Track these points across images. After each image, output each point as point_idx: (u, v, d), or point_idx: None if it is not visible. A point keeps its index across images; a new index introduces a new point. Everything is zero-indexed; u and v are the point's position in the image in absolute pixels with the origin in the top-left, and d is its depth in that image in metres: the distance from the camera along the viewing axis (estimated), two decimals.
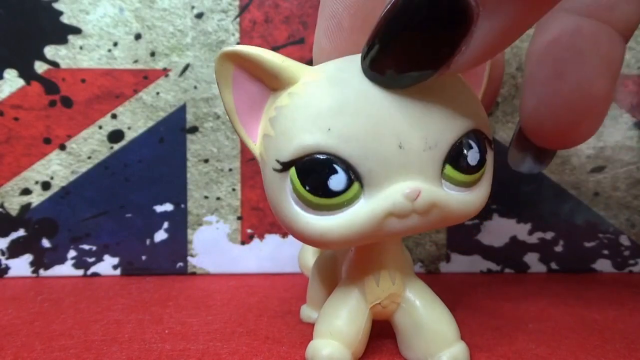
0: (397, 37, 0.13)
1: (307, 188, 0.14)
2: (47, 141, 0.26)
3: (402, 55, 0.13)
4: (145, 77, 0.27)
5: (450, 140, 0.14)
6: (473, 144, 0.14)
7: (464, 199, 0.15)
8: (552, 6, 0.12)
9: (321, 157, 0.14)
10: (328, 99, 0.14)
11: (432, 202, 0.14)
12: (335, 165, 0.14)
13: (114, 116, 0.27)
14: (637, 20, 0.17)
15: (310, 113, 0.14)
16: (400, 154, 0.14)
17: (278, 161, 0.14)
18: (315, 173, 0.14)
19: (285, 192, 0.14)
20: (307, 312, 0.20)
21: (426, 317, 0.16)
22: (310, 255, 0.24)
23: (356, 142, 0.13)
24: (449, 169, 0.14)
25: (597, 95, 0.17)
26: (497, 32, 0.12)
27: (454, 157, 0.14)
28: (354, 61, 0.14)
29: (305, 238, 0.15)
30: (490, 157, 0.15)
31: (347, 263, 0.17)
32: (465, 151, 0.14)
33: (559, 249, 0.28)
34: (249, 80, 0.15)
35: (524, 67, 0.18)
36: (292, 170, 0.14)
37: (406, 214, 0.14)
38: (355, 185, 0.14)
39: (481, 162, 0.15)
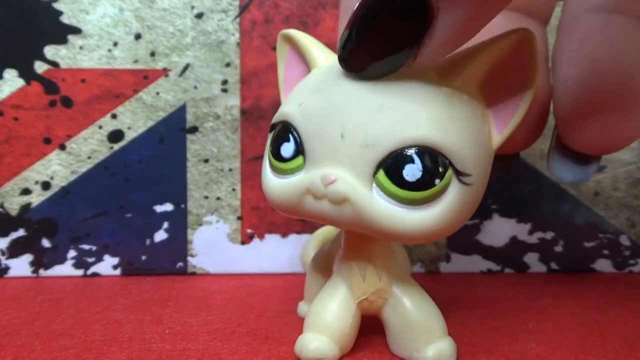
0: (366, 30, 0.13)
1: (270, 149, 0.16)
2: (47, 141, 0.26)
3: (371, 47, 0.14)
4: (145, 77, 0.27)
5: (390, 145, 0.14)
6: (416, 159, 0.14)
7: (397, 214, 0.14)
8: (508, 1, 0.13)
9: (284, 124, 0.15)
10: (313, 80, 0.16)
11: (343, 194, 0.14)
12: (289, 134, 0.15)
13: (114, 116, 0.27)
14: None
15: (299, 89, 0.16)
16: (340, 142, 0.14)
17: (271, 124, 0.16)
18: (277, 137, 0.16)
19: (266, 151, 0.16)
20: (303, 308, 0.21)
21: (413, 312, 0.16)
22: (311, 251, 0.24)
23: (310, 119, 0.15)
24: (381, 175, 0.14)
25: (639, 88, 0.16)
26: (457, 24, 0.13)
27: (389, 165, 0.14)
28: None
29: (265, 195, 0.16)
30: (457, 188, 0.14)
31: (337, 259, 0.18)
32: (403, 163, 0.14)
33: (559, 249, 0.28)
34: (298, 60, 0.18)
35: (552, 73, 0.17)
36: (272, 132, 0.16)
37: (319, 196, 0.14)
38: (300, 158, 0.15)
39: (424, 183, 0.14)
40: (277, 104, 0.27)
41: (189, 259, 0.27)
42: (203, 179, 0.27)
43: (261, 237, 0.28)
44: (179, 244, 0.27)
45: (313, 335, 0.16)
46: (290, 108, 0.15)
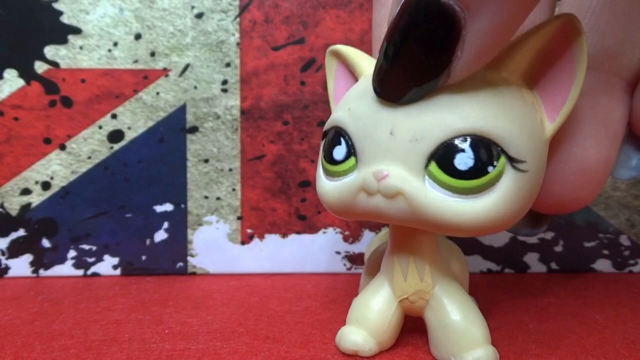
0: (396, 57, 0.13)
1: (323, 154, 0.16)
2: (47, 141, 0.26)
3: (404, 72, 0.14)
4: (145, 77, 0.27)
5: (439, 137, 0.14)
6: (467, 148, 0.14)
7: (452, 204, 0.14)
8: (537, 1, 0.13)
9: (336, 129, 0.16)
10: (359, 86, 0.16)
11: (397, 187, 0.14)
12: (341, 138, 0.16)
13: (114, 116, 0.27)
14: None
15: (347, 96, 0.16)
16: (390, 140, 0.14)
17: (323, 131, 0.17)
18: (329, 141, 0.16)
19: (320, 157, 0.17)
20: None
21: (453, 316, 0.16)
22: (372, 250, 0.24)
23: (360, 122, 0.15)
24: (433, 167, 0.14)
25: (592, 167, 0.16)
26: (486, 32, 0.12)
27: (440, 156, 0.14)
28: None
29: (320, 199, 0.17)
30: (511, 175, 0.14)
31: (384, 256, 0.18)
32: (453, 153, 0.14)
33: (559, 249, 0.28)
34: (346, 74, 0.19)
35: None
36: (324, 139, 0.17)
37: (372, 192, 0.15)
38: (352, 159, 0.15)
39: (477, 171, 0.14)
40: (277, 104, 0.27)
41: (189, 259, 0.27)
42: (203, 179, 0.27)
43: (261, 237, 0.28)
44: (179, 244, 0.27)
45: (352, 328, 0.17)
46: (339, 114, 0.16)
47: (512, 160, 0.14)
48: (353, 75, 0.18)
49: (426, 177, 0.14)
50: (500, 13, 0.12)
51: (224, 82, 0.27)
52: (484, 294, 0.24)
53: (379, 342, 0.17)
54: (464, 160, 0.14)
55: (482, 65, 0.14)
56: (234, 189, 0.27)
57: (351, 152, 0.15)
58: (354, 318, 0.17)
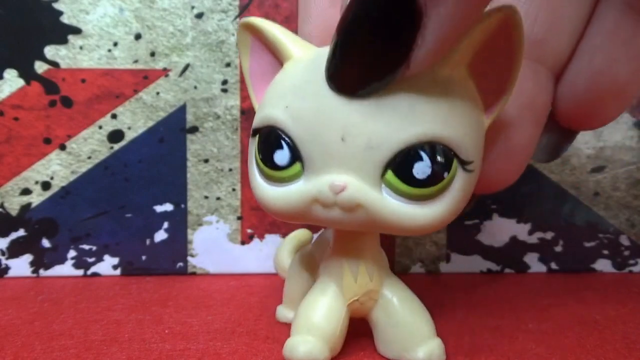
0: (352, 45, 0.13)
1: (261, 156, 0.15)
2: (47, 141, 0.26)
3: (360, 63, 0.13)
4: (145, 77, 0.27)
5: (396, 145, 0.13)
6: (425, 156, 0.13)
7: (409, 211, 0.14)
8: None
9: (273, 130, 0.14)
10: (295, 78, 0.15)
11: (356, 200, 0.14)
12: (282, 141, 0.14)
13: (114, 116, 0.27)
14: (567, 57, 0.17)
15: (281, 88, 0.15)
16: (341, 146, 0.13)
17: (252, 128, 0.15)
18: (267, 144, 0.15)
19: (252, 158, 0.16)
20: (283, 312, 0.20)
21: (402, 313, 0.16)
22: (286, 255, 0.24)
23: (304, 124, 0.14)
24: (390, 175, 0.14)
25: (515, 149, 0.17)
26: (447, 19, 0.12)
27: (397, 165, 0.14)
28: None
29: (259, 202, 0.16)
30: (461, 177, 0.14)
31: (325, 259, 0.17)
32: (412, 161, 0.13)
33: (559, 249, 0.28)
34: (264, 51, 0.17)
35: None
36: (257, 137, 0.15)
37: (329, 204, 0.14)
38: (297, 165, 0.14)
39: (433, 178, 0.14)
40: None
41: (189, 259, 0.27)
42: (203, 179, 0.27)
43: (261, 237, 0.28)
44: (179, 244, 0.27)
45: (302, 338, 0.16)
46: (275, 112, 0.14)
47: (462, 163, 0.14)
48: (273, 54, 0.17)
49: (383, 185, 0.14)
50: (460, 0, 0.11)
51: (224, 82, 0.27)
52: (484, 293, 0.24)
53: (331, 349, 0.16)
54: (422, 169, 0.14)
55: (443, 55, 0.13)
56: (234, 189, 0.27)
57: (295, 157, 0.14)
58: (302, 327, 0.16)
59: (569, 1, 0.16)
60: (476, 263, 0.28)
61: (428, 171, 0.14)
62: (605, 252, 0.28)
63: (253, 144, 0.15)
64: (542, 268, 0.28)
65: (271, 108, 0.15)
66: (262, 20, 0.16)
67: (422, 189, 0.14)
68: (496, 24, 0.14)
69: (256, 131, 0.15)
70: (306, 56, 0.15)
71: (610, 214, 0.28)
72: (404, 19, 0.12)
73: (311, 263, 0.19)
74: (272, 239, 0.28)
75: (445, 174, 0.14)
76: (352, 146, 0.13)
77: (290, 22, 0.27)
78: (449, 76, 0.14)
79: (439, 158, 0.14)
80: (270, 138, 0.15)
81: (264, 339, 0.19)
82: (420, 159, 0.13)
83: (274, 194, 0.15)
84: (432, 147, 0.14)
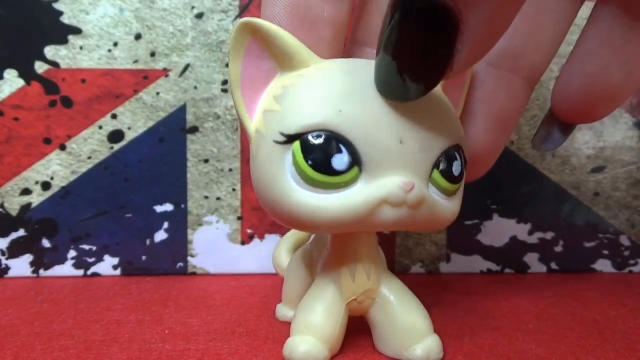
0: (398, 55, 0.13)
1: (310, 163, 0.14)
2: (47, 141, 0.26)
3: (407, 71, 0.14)
4: (145, 77, 0.27)
5: (441, 148, 0.15)
6: (457, 156, 0.16)
7: (445, 205, 0.16)
8: None
9: (329, 134, 0.14)
10: (341, 84, 0.15)
11: (422, 197, 0.15)
12: (341, 145, 0.14)
13: (114, 116, 0.27)
14: (545, 66, 0.18)
15: (324, 94, 0.15)
16: (400, 149, 0.14)
17: (282, 133, 0.14)
18: (321, 149, 0.14)
19: (282, 166, 0.14)
20: (282, 310, 0.21)
21: (400, 311, 0.17)
22: (284, 254, 0.24)
23: (363, 127, 0.14)
24: (436, 174, 0.15)
25: (480, 153, 0.18)
26: (484, 23, 0.12)
27: (442, 164, 0.15)
28: (362, 60, 0.16)
29: (294, 214, 0.15)
30: (464, 172, 0.16)
31: (323, 259, 0.18)
32: (452, 161, 0.15)
33: (559, 249, 0.28)
34: (260, 56, 0.16)
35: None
36: (297, 143, 0.14)
37: (399, 203, 0.14)
38: (355, 169, 0.14)
39: (461, 175, 0.16)
40: None
41: (189, 259, 0.27)
42: (203, 179, 0.27)
43: (261, 237, 0.28)
44: (179, 244, 0.27)
45: (302, 338, 0.16)
46: (328, 116, 0.14)
47: (465, 161, 0.16)
48: (273, 59, 0.16)
49: (430, 184, 0.15)
50: (494, 4, 0.12)
51: (224, 82, 0.27)
52: (484, 294, 0.24)
53: (330, 349, 0.16)
54: (457, 166, 0.16)
55: (484, 56, 0.14)
56: (234, 189, 0.27)
57: (353, 161, 0.14)
58: (301, 327, 0.16)
59: (546, 13, 0.17)
60: (476, 263, 0.28)
61: (459, 169, 0.16)
62: (605, 252, 0.28)
63: (284, 153, 0.14)
64: (542, 268, 0.28)
65: (317, 112, 0.14)
66: (269, 23, 0.15)
67: (455, 185, 0.16)
68: None
69: (294, 137, 0.14)
70: (335, 66, 0.15)
71: (610, 214, 0.28)
72: (443, 27, 0.12)
73: (310, 261, 0.20)
74: (272, 239, 0.28)
75: (464, 170, 0.16)
76: (409, 148, 0.14)
77: None
78: (438, 90, 0.16)
79: (463, 157, 0.16)
80: (325, 142, 0.14)
81: (264, 339, 0.19)
82: (456, 158, 0.16)
83: (323, 202, 0.14)
84: (459, 148, 0.16)
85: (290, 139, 0.14)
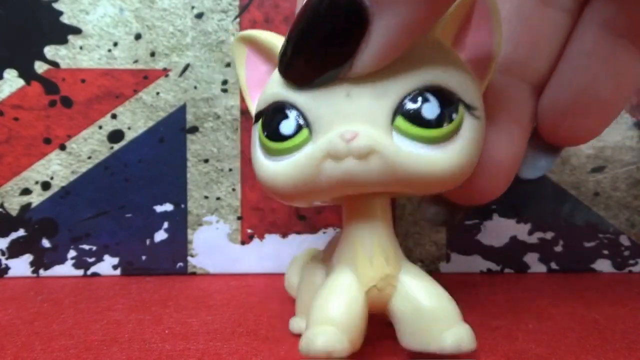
0: (303, 42, 0.14)
1: (265, 133, 0.15)
2: (47, 141, 0.26)
3: (307, 60, 0.14)
4: (145, 77, 0.27)
5: (402, 91, 0.14)
6: (431, 98, 0.14)
7: (425, 154, 0.14)
8: (448, 6, 0.13)
9: (278, 104, 0.15)
10: None
11: (369, 146, 0.14)
12: (286, 111, 0.15)
13: (114, 116, 0.27)
14: (548, 72, 0.18)
15: (278, 77, 0.15)
16: (347, 101, 0.14)
17: (255, 114, 0.16)
18: (271, 118, 0.15)
19: (255, 142, 0.16)
20: (297, 322, 0.19)
21: (424, 297, 0.15)
22: (295, 275, 0.23)
23: (307, 92, 0.14)
24: (400, 121, 0.14)
25: (504, 160, 0.17)
26: (393, 29, 0.13)
27: (406, 109, 0.14)
28: None
29: (263, 184, 0.16)
30: (470, 122, 0.15)
31: (337, 249, 0.17)
32: (419, 104, 0.14)
33: (559, 249, 0.28)
34: (260, 61, 0.18)
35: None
36: (260, 120, 0.15)
37: (341, 155, 0.14)
38: (305, 131, 0.14)
39: (442, 119, 0.14)
40: None
41: (189, 259, 0.27)
42: (203, 179, 0.27)
43: (261, 237, 0.28)
44: (179, 244, 0.27)
45: (319, 328, 0.15)
46: (277, 88, 0.15)
47: (468, 107, 0.15)
48: (269, 62, 0.18)
49: (394, 132, 0.14)
50: (409, 14, 0.12)
51: (224, 82, 0.27)
52: (484, 294, 0.24)
53: (351, 340, 0.15)
54: (431, 109, 0.14)
55: (388, 62, 0.14)
56: (234, 189, 0.27)
57: (301, 124, 0.14)
58: (318, 319, 0.15)
59: (547, 23, 0.17)
60: (476, 263, 0.28)
61: (437, 111, 0.14)
62: (605, 252, 0.28)
63: (256, 129, 0.16)
64: (542, 268, 0.28)
65: (272, 88, 0.15)
66: (259, 32, 0.17)
67: (434, 130, 0.14)
68: (472, 3, 0.15)
69: (259, 115, 0.16)
70: None
71: (610, 214, 0.28)
72: (350, 24, 0.13)
73: (321, 268, 0.18)
74: (272, 239, 0.28)
75: (454, 115, 0.14)
76: (358, 99, 0.14)
77: (290, 21, 0.27)
78: (440, 42, 0.15)
79: (444, 99, 0.14)
80: (275, 111, 0.15)
81: (264, 339, 0.19)
82: (427, 100, 0.14)
83: (280, 167, 0.15)
84: (437, 90, 0.14)
85: (256, 117, 0.16)
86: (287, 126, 0.15)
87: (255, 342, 0.18)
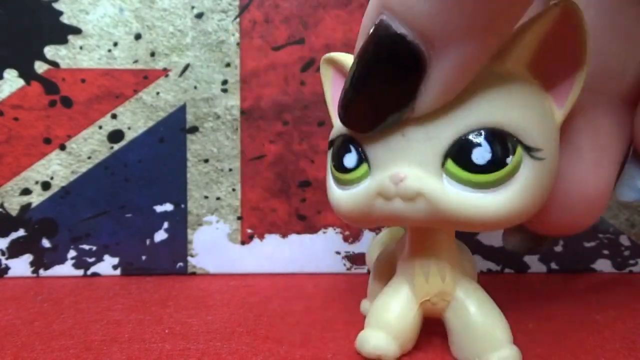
0: (363, 89, 0.13)
1: (333, 163, 0.16)
2: (47, 141, 0.26)
3: (368, 105, 0.14)
4: (145, 77, 0.27)
5: (453, 134, 0.14)
6: (483, 142, 0.14)
7: (472, 198, 0.14)
8: (499, 39, 0.13)
9: (343, 137, 0.16)
10: None
11: (416, 189, 0.14)
12: (350, 145, 0.15)
13: (114, 116, 0.27)
14: None
15: None
16: (402, 141, 0.14)
17: (329, 140, 0.17)
18: (337, 150, 0.16)
19: (328, 168, 0.17)
20: (366, 305, 0.21)
21: (476, 317, 0.16)
22: (377, 251, 0.24)
23: None
24: (450, 164, 0.14)
25: (592, 193, 0.16)
26: (450, 70, 0.13)
27: (456, 152, 0.14)
28: None
29: (334, 207, 0.16)
30: (529, 164, 0.14)
31: (400, 259, 0.18)
32: (470, 148, 0.14)
33: (559, 249, 0.28)
34: (342, 80, 0.18)
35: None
36: (331, 148, 0.16)
37: (390, 196, 0.14)
38: (364, 166, 0.15)
39: (495, 163, 0.14)
40: (277, 104, 0.27)
41: (189, 259, 0.27)
42: (203, 179, 0.27)
43: (261, 237, 0.28)
44: (179, 244, 0.27)
45: (373, 332, 0.17)
46: None
47: (528, 149, 0.14)
48: None
49: (444, 175, 0.14)
50: (464, 54, 0.12)
51: (224, 82, 0.27)
52: None
53: (401, 345, 0.17)
54: (482, 154, 0.14)
55: (447, 101, 0.13)
56: (234, 189, 0.27)
57: (362, 158, 0.15)
58: (374, 321, 0.17)
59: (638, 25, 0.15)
60: (476, 263, 0.28)
61: (488, 156, 0.14)
62: (605, 252, 0.28)
63: (329, 156, 0.17)
64: (542, 268, 0.28)
65: (339, 122, 0.16)
66: (342, 55, 0.18)
67: (485, 175, 0.14)
68: (554, 19, 0.14)
69: (331, 143, 0.16)
70: None
71: (610, 214, 0.28)
72: (409, 69, 0.13)
73: (392, 261, 0.19)
74: (272, 239, 0.28)
75: (509, 159, 0.14)
76: (411, 140, 0.14)
77: (290, 21, 0.27)
78: (508, 71, 0.14)
79: (498, 143, 0.14)
80: (340, 144, 0.16)
81: (264, 339, 0.19)
82: (479, 144, 0.14)
83: (344, 196, 0.16)
84: (490, 132, 0.14)
85: (329, 145, 0.17)
86: (349, 160, 0.15)
87: (255, 342, 0.18)
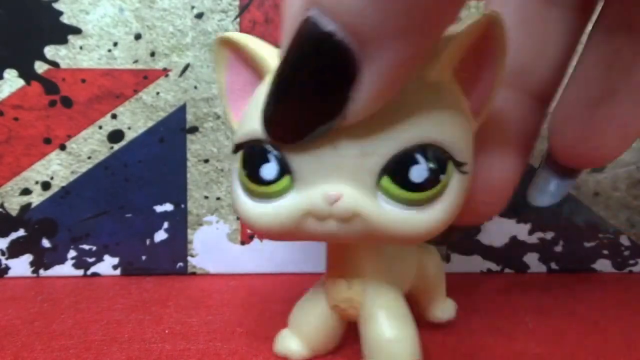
0: (288, 95, 0.12)
1: (245, 172, 0.14)
2: (47, 141, 0.26)
3: (297, 114, 0.12)
4: (145, 77, 0.27)
5: (390, 150, 0.13)
6: (420, 159, 0.13)
7: (408, 217, 0.13)
8: (433, 41, 0.12)
9: (260, 144, 0.14)
10: None
11: (352, 210, 0.13)
12: (268, 155, 0.14)
13: (114, 116, 0.27)
14: (557, 84, 0.16)
15: (261, 102, 0.14)
16: (333, 155, 0.13)
17: (235, 143, 0.15)
18: (252, 159, 0.14)
19: (235, 177, 0.15)
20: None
21: (379, 330, 0.16)
22: None
23: None
24: (385, 181, 0.13)
25: (497, 184, 0.16)
26: (382, 73, 0.12)
27: (393, 170, 0.13)
28: None
29: (245, 222, 0.15)
30: (457, 179, 0.14)
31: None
32: (408, 165, 0.13)
33: (559, 249, 0.28)
34: (242, 66, 0.16)
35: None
36: (240, 153, 0.14)
37: (323, 216, 0.13)
38: (286, 178, 0.14)
39: (431, 181, 0.13)
40: None
41: (189, 259, 0.27)
42: (203, 179, 0.27)
43: (261, 237, 0.28)
44: (179, 244, 0.27)
45: (287, 333, 0.18)
46: (257, 126, 0.13)
47: (458, 164, 0.14)
48: (253, 69, 0.16)
49: (378, 193, 0.13)
50: (397, 56, 0.11)
51: None
52: (484, 294, 0.24)
53: (311, 347, 0.17)
54: (419, 172, 0.13)
55: (380, 106, 0.12)
56: None
57: (284, 170, 0.13)
58: (289, 322, 0.18)
59: (553, 25, 0.16)
60: (476, 263, 0.28)
61: (425, 174, 0.13)
62: (605, 252, 0.28)
63: (235, 160, 0.15)
64: (542, 268, 0.28)
65: (253, 122, 0.14)
66: (241, 35, 0.16)
67: (420, 193, 0.13)
68: (480, 30, 0.14)
69: (239, 147, 0.14)
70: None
71: (610, 214, 0.28)
72: (338, 73, 0.11)
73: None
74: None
75: (442, 177, 0.13)
76: (344, 154, 0.13)
77: None
78: (437, 80, 0.14)
79: (435, 160, 0.13)
80: (256, 152, 0.14)
81: (264, 339, 0.19)
82: (417, 162, 0.13)
83: (260, 210, 0.14)
84: (427, 150, 0.13)
85: (236, 149, 0.15)
86: (268, 171, 0.14)
87: (255, 342, 0.18)
